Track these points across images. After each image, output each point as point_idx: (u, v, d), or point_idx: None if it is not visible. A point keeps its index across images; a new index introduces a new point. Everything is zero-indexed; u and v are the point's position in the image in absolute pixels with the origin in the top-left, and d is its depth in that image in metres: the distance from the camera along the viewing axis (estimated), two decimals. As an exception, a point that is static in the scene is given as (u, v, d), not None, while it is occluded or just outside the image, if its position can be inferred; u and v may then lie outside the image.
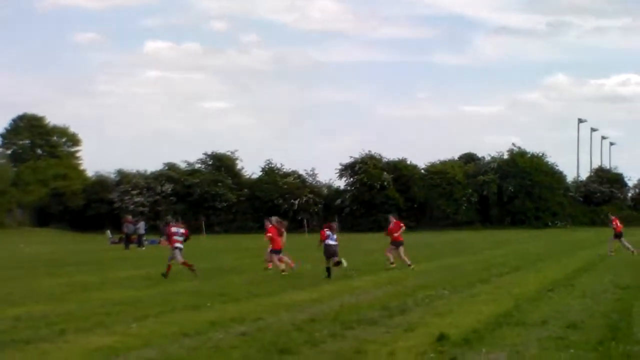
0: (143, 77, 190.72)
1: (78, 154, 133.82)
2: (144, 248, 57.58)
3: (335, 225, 32.05)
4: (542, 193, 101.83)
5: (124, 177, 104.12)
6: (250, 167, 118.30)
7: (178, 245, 30.93)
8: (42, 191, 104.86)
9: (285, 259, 32.79)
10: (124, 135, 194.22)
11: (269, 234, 32.65)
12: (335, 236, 30.51)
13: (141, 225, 61.58)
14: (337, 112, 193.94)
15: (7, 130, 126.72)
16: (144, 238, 61.34)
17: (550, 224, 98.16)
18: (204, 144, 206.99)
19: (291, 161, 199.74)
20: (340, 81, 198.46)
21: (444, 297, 22.62)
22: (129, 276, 31.16)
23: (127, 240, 59.49)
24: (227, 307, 20.90)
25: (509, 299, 21.68)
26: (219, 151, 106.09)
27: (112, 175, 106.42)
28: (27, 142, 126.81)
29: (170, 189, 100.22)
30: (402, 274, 31.06)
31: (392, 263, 33.82)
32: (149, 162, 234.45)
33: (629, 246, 41.40)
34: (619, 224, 42.55)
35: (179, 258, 30.81)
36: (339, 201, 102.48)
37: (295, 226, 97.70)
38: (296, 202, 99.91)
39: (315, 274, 30.81)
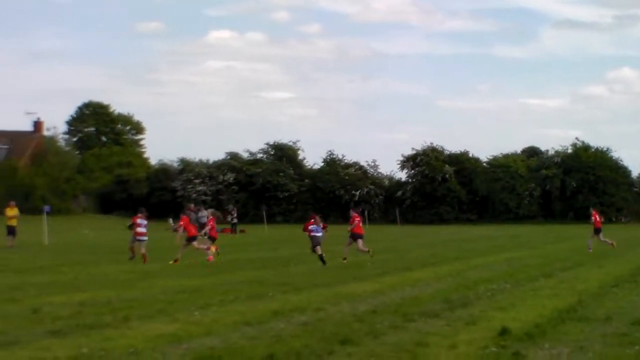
0: (206, 67, 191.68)
1: (142, 142, 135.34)
2: (206, 236, 57.82)
3: (319, 217, 33.00)
4: (606, 188, 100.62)
5: (186, 165, 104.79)
6: (312, 158, 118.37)
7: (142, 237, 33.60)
8: (107, 178, 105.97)
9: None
10: (186, 124, 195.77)
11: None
12: (319, 227, 31.90)
13: (203, 214, 61.86)
14: (398, 103, 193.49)
15: (73, 118, 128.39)
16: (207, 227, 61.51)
17: (614, 219, 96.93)
18: (265, 133, 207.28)
19: (352, 152, 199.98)
20: (401, 73, 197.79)
21: (505, 290, 22.49)
22: (191, 264, 31.39)
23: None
24: (288, 297, 20.97)
25: (572, 294, 21.49)
26: (280, 141, 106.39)
27: (175, 164, 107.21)
28: (92, 129, 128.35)
29: (232, 178, 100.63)
30: (464, 266, 30.93)
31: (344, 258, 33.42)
32: (212, 151, 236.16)
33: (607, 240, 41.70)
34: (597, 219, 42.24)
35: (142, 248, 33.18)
36: (400, 193, 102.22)
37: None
38: (357, 193, 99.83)
39: (377, 266, 30.83)
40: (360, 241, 33.86)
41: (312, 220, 32.38)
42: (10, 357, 12.73)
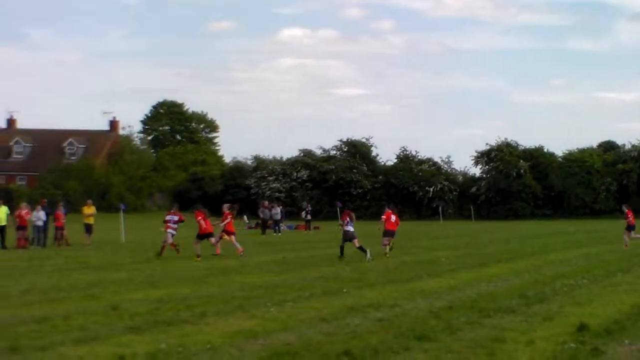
0: (279, 64, 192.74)
1: (216, 140, 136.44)
2: (280, 233, 58.20)
3: (353, 214, 34.52)
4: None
5: (260, 163, 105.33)
6: (385, 154, 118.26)
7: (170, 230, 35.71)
8: (182, 176, 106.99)
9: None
10: (259, 121, 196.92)
11: None
12: (353, 223, 33.43)
13: (277, 211, 62.19)
14: (471, 99, 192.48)
15: (148, 117, 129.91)
16: (281, 223, 61.94)
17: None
18: (338, 130, 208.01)
19: (425, 148, 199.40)
20: (474, 68, 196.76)
21: (583, 286, 22.24)
22: (267, 261, 31.56)
23: (264, 226, 60.23)
24: (363, 293, 20.97)
25: (651, 290, 21.20)
26: (354, 137, 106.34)
27: (249, 161, 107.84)
28: (167, 128, 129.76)
29: (305, 175, 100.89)
30: (540, 261, 30.64)
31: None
32: (285, 149, 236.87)
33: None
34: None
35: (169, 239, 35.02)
36: (474, 189, 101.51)
37: (430, 213, 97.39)
38: (431, 189, 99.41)
39: (451, 262, 30.71)
40: (385, 239, 35.02)
41: (347, 217, 33.65)
42: (91, 352, 12.93)
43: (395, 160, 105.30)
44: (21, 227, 40.38)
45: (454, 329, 15.03)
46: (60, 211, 43.01)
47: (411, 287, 22.27)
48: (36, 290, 21.37)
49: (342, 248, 33.06)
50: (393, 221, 35.48)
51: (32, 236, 41.28)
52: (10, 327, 15.21)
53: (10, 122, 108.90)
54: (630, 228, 40.29)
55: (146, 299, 19.38)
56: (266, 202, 66.53)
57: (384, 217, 35.67)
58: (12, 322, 15.78)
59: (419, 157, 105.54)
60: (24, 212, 40.59)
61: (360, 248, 32.43)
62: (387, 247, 34.45)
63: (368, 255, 31.57)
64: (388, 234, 35.17)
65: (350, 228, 33.26)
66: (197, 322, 15.92)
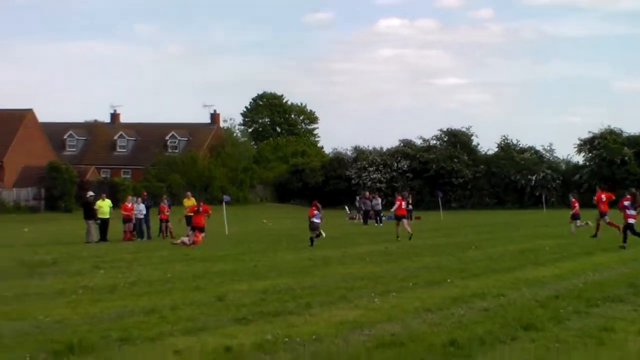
0: (377, 55, 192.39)
1: (315, 131, 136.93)
2: (382, 224, 58.16)
3: (319, 204, 37.39)
4: None
5: (360, 153, 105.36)
6: (486, 143, 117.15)
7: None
8: (282, 168, 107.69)
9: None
10: (359, 112, 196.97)
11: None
12: (319, 214, 36.06)
13: (378, 202, 62.14)
14: (572, 86, 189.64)
15: (248, 109, 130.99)
16: (382, 214, 61.86)
17: None
18: (438, 120, 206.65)
19: (526, 136, 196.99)
20: (574, 55, 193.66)
21: (694, 275, 21.76)
22: (369, 251, 31.55)
23: (366, 216, 60.27)
24: (467, 283, 20.84)
25: None
26: (454, 127, 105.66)
27: (349, 152, 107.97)
28: (267, 120, 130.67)
29: (406, 166, 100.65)
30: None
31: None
32: (385, 139, 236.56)
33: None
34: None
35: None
36: (577, 177, 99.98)
37: (533, 202, 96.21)
38: (533, 177, 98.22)
39: (555, 250, 30.33)
40: (405, 221, 39.90)
41: (314, 207, 36.44)
42: (199, 343, 13.10)
43: (496, 149, 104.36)
44: (127, 220, 41.09)
45: (561, 318, 14.84)
46: (164, 204, 43.64)
47: (515, 277, 22.06)
48: (143, 282, 21.73)
49: (312, 239, 34.99)
50: (404, 207, 40.40)
51: (137, 229, 41.93)
52: (119, 318, 15.51)
53: (114, 116, 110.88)
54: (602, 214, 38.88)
55: (251, 290, 19.56)
56: (367, 193, 66.52)
57: (398, 203, 40.00)
58: (122, 313, 16.09)
59: (520, 145, 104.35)
60: (129, 205, 41.29)
61: (317, 236, 35.55)
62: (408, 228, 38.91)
63: (312, 241, 34.66)
64: (398, 218, 39.52)
65: (316, 220, 35.80)
66: (302, 313, 16.01)
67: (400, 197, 41.21)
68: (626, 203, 31.89)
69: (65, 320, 15.29)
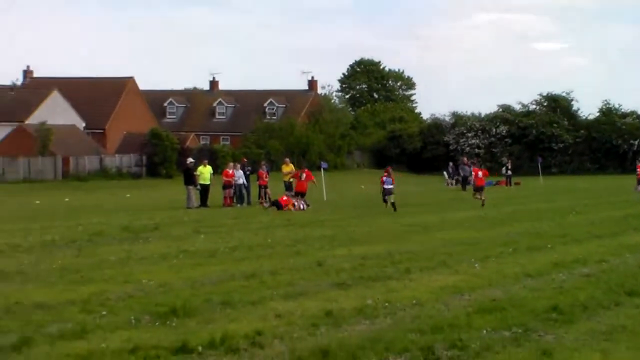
0: (475, 20, 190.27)
1: (413, 97, 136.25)
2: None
3: (391, 170, 38.15)
4: None
5: (458, 119, 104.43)
6: (587, 108, 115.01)
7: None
8: (380, 134, 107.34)
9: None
10: (457, 77, 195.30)
11: None
12: (391, 180, 36.20)
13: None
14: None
15: (345, 76, 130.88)
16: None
17: None
18: (537, 85, 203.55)
19: (629, 101, 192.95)
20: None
21: None
22: (468, 217, 31.42)
23: (464, 182, 59.90)
24: (568, 249, 20.65)
25: None
26: (554, 92, 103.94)
27: (447, 118, 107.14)
28: (364, 86, 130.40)
29: (505, 131, 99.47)
30: None
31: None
32: (484, 104, 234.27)
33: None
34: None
35: None
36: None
37: (635, 167, 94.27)
38: (636, 142, 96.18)
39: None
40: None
41: (386, 174, 36.75)
42: (300, 307, 13.23)
43: (597, 114, 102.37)
44: (227, 185, 41.45)
45: (666, 284, 14.62)
46: (263, 170, 43.91)
47: (618, 242, 21.79)
48: (243, 246, 21.98)
49: (393, 205, 35.48)
50: (480, 177, 40.00)
51: (236, 194, 42.26)
52: (221, 282, 15.74)
53: (213, 84, 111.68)
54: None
55: (351, 255, 19.65)
56: (465, 159, 66.06)
57: (474, 173, 40.96)
58: (223, 277, 16.33)
59: (622, 110, 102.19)
60: (230, 171, 41.62)
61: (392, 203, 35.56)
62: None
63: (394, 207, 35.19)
64: (479, 189, 39.46)
65: (388, 186, 35.94)
66: (401, 278, 16.06)
67: (476, 167, 41.55)
68: None
69: (168, 284, 15.58)
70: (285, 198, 38.11)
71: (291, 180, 41.57)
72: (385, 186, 36.16)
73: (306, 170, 40.65)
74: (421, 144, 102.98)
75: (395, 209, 34.83)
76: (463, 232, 25.54)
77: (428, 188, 45.02)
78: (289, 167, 43.91)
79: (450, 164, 71.82)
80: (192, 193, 40.02)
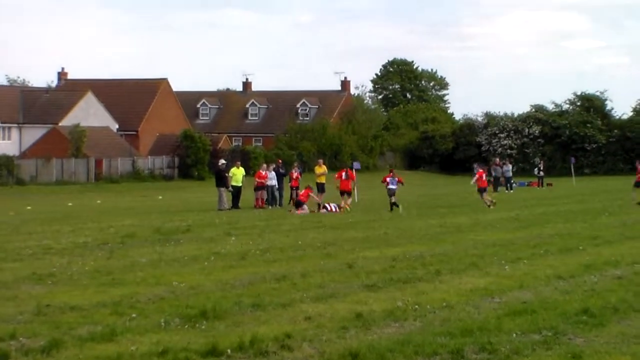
0: (511, 18, 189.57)
1: (446, 98, 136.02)
2: (512, 191, 57.54)
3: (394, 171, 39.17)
4: None
5: (491, 119, 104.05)
6: (620, 107, 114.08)
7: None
8: (412, 134, 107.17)
9: None
10: (491, 77, 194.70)
11: None
12: (395, 180, 37.33)
13: (508, 168, 61.46)
14: None
15: (378, 76, 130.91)
16: (512, 180, 61.24)
17: None
18: (571, 84, 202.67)
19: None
20: None
21: None
22: (499, 218, 31.28)
23: (496, 183, 59.66)
24: (600, 250, 20.53)
25: None
26: (587, 91, 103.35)
27: (480, 118, 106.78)
28: (397, 86, 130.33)
29: (538, 131, 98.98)
30: None
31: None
32: (516, 104, 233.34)
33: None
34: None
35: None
36: None
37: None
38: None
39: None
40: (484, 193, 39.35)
41: (390, 174, 37.81)
42: (330, 309, 13.23)
43: (631, 113, 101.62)
44: (259, 187, 41.48)
45: (698, 287, 14.49)
46: (295, 171, 43.91)
47: (651, 244, 21.63)
48: (274, 248, 22.00)
49: (391, 205, 36.72)
50: (484, 179, 40.01)
51: (268, 197, 42.29)
52: (252, 284, 15.77)
53: (246, 85, 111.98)
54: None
55: (381, 257, 19.63)
56: (497, 160, 65.78)
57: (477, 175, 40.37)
58: (254, 279, 16.35)
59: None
60: (263, 172, 41.64)
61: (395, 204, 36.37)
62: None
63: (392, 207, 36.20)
64: (482, 190, 39.26)
65: (392, 186, 37.01)
66: (432, 280, 16.03)
67: (481, 170, 41.74)
68: None
69: (199, 286, 15.63)
70: (303, 192, 38.56)
71: (322, 182, 41.58)
72: (390, 186, 37.13)
73: (348, 169, 40.81)
74: (453, 145, 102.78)
75: (391, 209, 36.25)
76: (494, 233, 25.46)
77: (460, 189, 44.75)
78: (322, 169, 43.80)
79: (475, 165, 71.59)
80: (224, 195, 40.11)
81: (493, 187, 59.38)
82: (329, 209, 37.36)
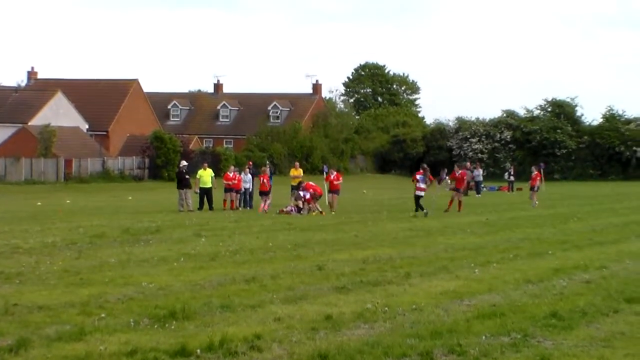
0: (480, 23, 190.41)
1: (417, 102, 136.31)
2: (480, 195, 57.73)
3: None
4: None
5: (462, 124, 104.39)
6: (590, 114, 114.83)
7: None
8: (383, 138, 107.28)
9: None
10: (461, 82, 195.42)
11: None
12: (425, 178, 37.12)
13: (479, 172, 61.70)
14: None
15: (350, 79, 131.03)
16: (482, 185, 61.51)
17: None
18: (542, 90, 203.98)
19: (633, 107, 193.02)
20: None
21: None
22: (470, 222, 31.38)
23: (465, 187, 59.82)
24: (569, 255, 20.65)
25: None
26: (558, 97, 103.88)
27: (451, 123, 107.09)
28: (369, 90, 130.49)
29: (509, 136, 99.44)
30: None
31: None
32: (488, 110, 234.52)
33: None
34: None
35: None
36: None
37: (638, 174, 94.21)
38: (639, 149, 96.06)
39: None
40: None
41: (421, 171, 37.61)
42: (299, 310, 13.23)
43: (601, 120, 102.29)
44: (229, 189, 41.38)
45: (666, 292, 14.59)
46: (266, 173, 43.81)
47: (619, 249, 21.78)
48: (244, 250, 21.94)
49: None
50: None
51: (243, 198, 42.15)
52: (222, 285, 15.75)
53: (217, 86, 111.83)
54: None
55: (351, 260, 19.64)
56: (468, 164, 65.91)
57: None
58: (224, 281, 16.32)
59: (626, 116, 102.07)
60: (231, 174, 41.56)
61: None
62: None
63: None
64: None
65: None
66: (401, 283, 16.07)
67: (537, 171, 43.63)
68: None
69: (168, 286, 15.58)
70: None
71: (298, 183, 41.49)
72: (419, 185, 37.02)
73: (336, 173, 40.80)
74: (424, 149, 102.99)
75: (417, 210, 36.17)
76: (464, 237, 25.52)
77: (430, 193, 44.69)
78: (297, 172, 43.70)
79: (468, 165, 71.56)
80: (186, 196, 39.94)
81: (463, 191, 59.62)
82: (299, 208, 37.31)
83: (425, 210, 35.17)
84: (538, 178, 43.81)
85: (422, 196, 36.59)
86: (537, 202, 41.57)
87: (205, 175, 40.90)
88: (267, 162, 56.47)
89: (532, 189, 43.07)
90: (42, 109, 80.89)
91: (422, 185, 36.70)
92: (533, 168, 46.00)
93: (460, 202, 38.57)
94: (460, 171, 40.78)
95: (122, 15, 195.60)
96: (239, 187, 41.38)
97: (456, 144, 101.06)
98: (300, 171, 44.14)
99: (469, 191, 58.61)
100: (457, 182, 39.81)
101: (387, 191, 66.18)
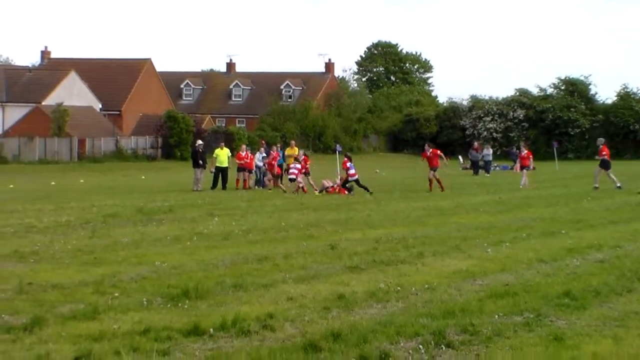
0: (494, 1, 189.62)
1: (430, 80, 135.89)
2: (488, 175, 57.55)
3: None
4: None
5: (476, 103, 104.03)
6: (605, 92, 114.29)
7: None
8: (396, 117, 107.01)
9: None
10: (475, 61, 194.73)
11: None
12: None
13: (489, 152, 61.57)
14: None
15: (363, 58, 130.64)
16: (492, 164, 61.47)
17: None
18: (557, 68, 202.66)
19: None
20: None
21: None
22: (482, 201, 31.33)
23: (476, 167, 59.81)
24: (583, 234, 20.59)
25: None
26: (572, 76, 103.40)
27: (464, 102, 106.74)
28: (382, 69, 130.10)
29: (522, 115, 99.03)
30: None
31: None
32: (501, 88, 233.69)
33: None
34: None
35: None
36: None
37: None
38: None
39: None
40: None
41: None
42: (311, 290, 13.24)
43: (615, 98, 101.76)
44: (241, 168, 41.37)
45: (680, 271, 14.54)
46: (277, 152, 43.73)
47: (633, 228, 21.72)
48: (257, 229, 21.98)
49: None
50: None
51: (256, 178, 42.16)
52: (234, 265, 15.77)
53: (230, 66, 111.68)
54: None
55: (364, 239, 19.65)
56: (476, 144, 65.77)
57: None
58: (236, 260, 16.35)
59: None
60: (243, 153, 41.52)
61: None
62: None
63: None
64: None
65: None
66: (414, 262, 16.05)
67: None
68: None
69: (181, 265, 15.63)
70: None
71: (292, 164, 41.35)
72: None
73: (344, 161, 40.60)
74: (437, 128, 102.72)
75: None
76: (477, 216, 25.50)
77: (443, 172, 44.71)
78: (293, 151, 43.49)
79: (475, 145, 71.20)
80: (201, 175, 39.94)
81: (473, 170, 59.52)
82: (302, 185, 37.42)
83: (370, 191, 35.58)
84: (530, 157, 43.11)
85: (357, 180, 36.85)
86: (527, 183, 40.68)
87: (222, 155, 40.92)
88: (277, 143, 56.09)
89: (523, 168, 42.35)
90: (56, 89, 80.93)
91: (353, 171, 36.79)
92: (522, 146, 45.45)
93: (438, 180, 37.90)
94: (431, 149, 40.04)
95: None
96: (251, 166, 41.34)
97: (469, 122, 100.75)
98: (296, 150, 43.89)
99: (479, 170, 58.63)
100: (429, 161, 39.02)
101: (400, 170, 66.10)
